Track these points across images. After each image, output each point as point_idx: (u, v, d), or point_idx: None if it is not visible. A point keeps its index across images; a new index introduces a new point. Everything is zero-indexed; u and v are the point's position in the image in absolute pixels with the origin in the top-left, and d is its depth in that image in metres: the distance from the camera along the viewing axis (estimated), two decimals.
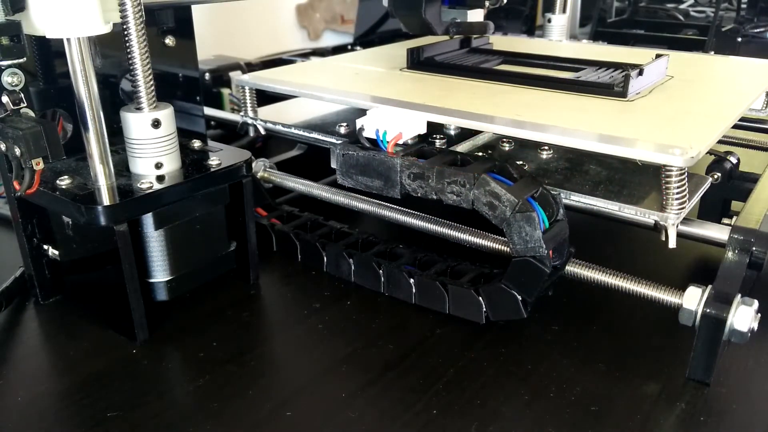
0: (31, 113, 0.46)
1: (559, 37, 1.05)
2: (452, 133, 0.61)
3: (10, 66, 0.45)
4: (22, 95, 0.45)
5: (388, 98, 0.57)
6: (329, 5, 1.39)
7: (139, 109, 0.47)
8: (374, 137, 0.53)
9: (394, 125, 0.53)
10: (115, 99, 0.54)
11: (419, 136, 0.56)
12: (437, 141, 0.56)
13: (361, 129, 0.53)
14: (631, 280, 0.47)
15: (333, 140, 0.63)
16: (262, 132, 0.69)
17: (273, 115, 0.70)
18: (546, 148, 0.57)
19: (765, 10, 1.79)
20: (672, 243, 0.48)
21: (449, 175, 0.48)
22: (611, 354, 0.47)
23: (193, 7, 0.57)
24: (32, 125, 0.42)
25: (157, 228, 0.48)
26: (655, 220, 0.48)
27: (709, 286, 0.44)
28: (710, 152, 0.62)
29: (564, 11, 1.06)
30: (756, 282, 0.51)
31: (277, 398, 0.43)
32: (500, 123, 0.52)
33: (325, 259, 0.57)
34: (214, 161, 0.51)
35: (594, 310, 0.52)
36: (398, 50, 0.76)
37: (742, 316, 0.41)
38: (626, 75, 0.57)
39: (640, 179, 0.53)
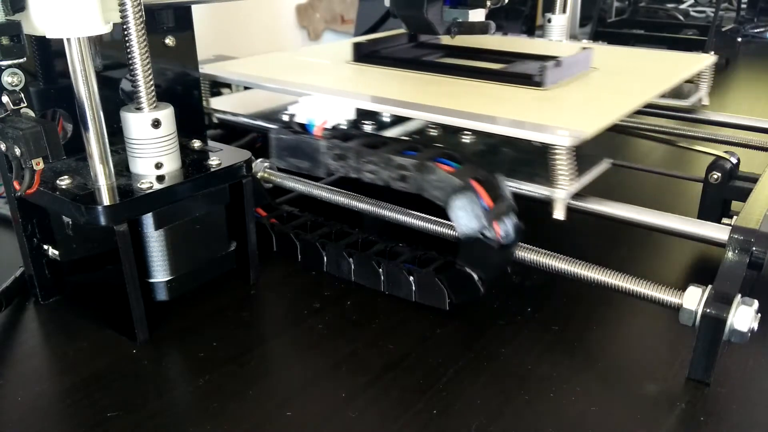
0: (31, 113, 0.46)
1: (559, 37, 1.05)
2: (387, 120, 0.64)
3: (10, 66, 0.45)
4: (22, 95, 0.45)
5: (322, 87, 0.63)
6: (329, 5, 1.39)
7: (139, 109, 0.47)
8: (305, 122, 0.58)
9: (324, 111, 0.58)
10: (116, 99, 0.54)
11: (353, 121, 0.61)
12: (367, 126, 0.61)
13: (293, 115, 0.60)
14: (631, 280, 0.47)
15: (273, 126, 0.64)
16: (215, 120, 0.72)
17: (230, 105, 0.74)
18: (468, 133, 0.60)
19: (765, 10, 1.80)
20: (560, 215, 0.52)
21: (365, 154, 0.52)
22: (611, 354, 0.47)
23: (193, 7, 0.57)
24: (32, 125, 0.42)
25: (157, 228, 0.48)
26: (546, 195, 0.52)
27: (709, 286, 0.44)
28: (710, 152, 0.62)
29: (564, 11, 1.06)
30: (756, 282, 0.51)
31: (277, 398, 0.43)
32: (418, 109, 0.57)
33: (325, 259, 0.57)
34: (214, 161, 0.51)
35: (594, 310, 0.52)
36: None
37: (742, 316, 0.41)
38: (543, 66, 0.62)
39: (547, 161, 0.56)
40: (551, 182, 0.52)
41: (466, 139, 0.59)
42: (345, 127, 0.60)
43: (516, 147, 0.61)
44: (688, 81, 0.79)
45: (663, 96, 0.76)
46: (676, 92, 0.81)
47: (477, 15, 0.75)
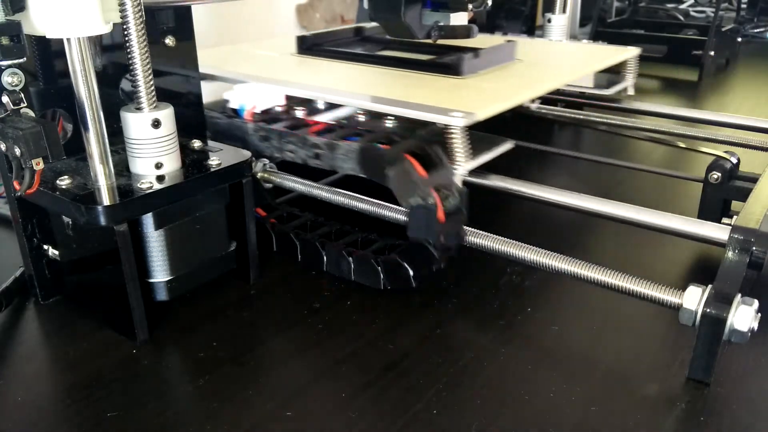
0: (31, 113, 0.46)
1: (559, 37, 1.05)
2: (320, 106, 0.67)
3: (10, 66, 0.45)
4: (22, 95, 0.45)
5: (257, 75, 0.69)
6: (329, 5, 1.39)
7: (139, 109, 0.47)
8: (237, 108, 0.64)
9: (255, 98, 0.64)
10: (116, 99, 0.54)
11: (286, 107, 0.66)
12: (298, 111, 0.64)
13: (227, 101, 0.64)
14: (631, 280, 0.47)
15: (211, 113, 0.67)
16: None
17: None
18: (391, 118, 0.62)
19: (765, 10, 1.80)
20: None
21: (286, 136, 0.58)
22: (611, 354, 0.47)
23: (193, 7, 0.57)
24: (32, 125, 0.42)
25: (157, 228, 0.48)
26: None
27: (709, 286, 0.44)
28: (710, 152, 0.62)
29: (564, 11, 1.06)
30: (756, 282, 0.51)
31: (277, 398, 0.43)
32: (337, 95, 0.63)
33: (324, 258, 0.57)
34: (214, 161, 0.51)
35: (594, 309, 0.52)
36: None
37: (743, 316, 0.41)
38: (459, 57, 0.68)
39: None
40: (450, 160, 0.55)
41: (389, 123, 0.62)
42: (275, 112, 0.65)
43: (432, 130, 0.64)
44: (615, 71, 0.88)
45: (595, 86, 0.85)
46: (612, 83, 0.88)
47: (459, 18, 0.75)
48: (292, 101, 0.67)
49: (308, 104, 0.67)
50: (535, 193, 0.61)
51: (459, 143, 0.55)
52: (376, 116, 0.63)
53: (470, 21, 0.78)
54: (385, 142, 0.55)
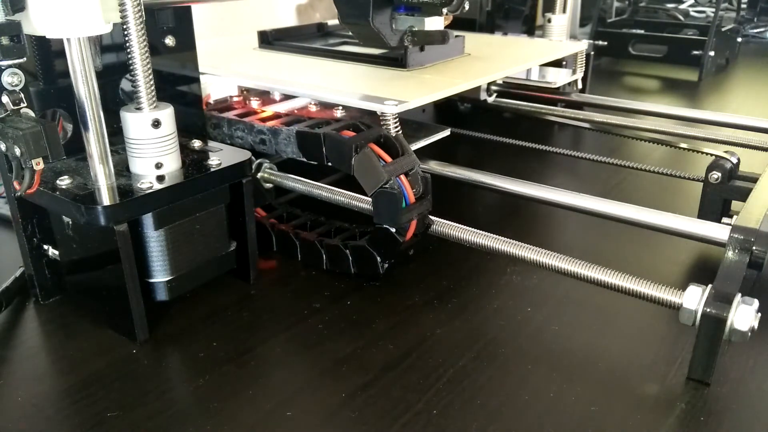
0: (31, 113, 0.46)
1: (559, 37, 1.05)
2: (277, 97, 0.69)
3: (10, 66, 0.45)
4: (22, 95, 0.45)
5: (214, 67, 0.72)
6: (329, 5, 1.39)
7: (139, 109, 0.47)
8: None
9: (209, 88, 0.67)
10: (116, 99, 0.54)
11: (243, 97, 0.68)
12: (253, 101, 0.66)
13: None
14: (631, 280, 0.47)
15: None
16: None
17: None
18: (340, 108, 0.64)
19: (765, 10, 1.80)
20: None
21: (234, 123, 0.60)
22: (611, 354, 0.47)
23: (193, 7, 0.57)
24: (32, 125, 0.42)
25: (157, 228, 0.48)
26: None
27: (710, 286, 0.44)
28: (710, 152, 0.62)
29: (564, 11, 1.06)
30: (756, 282, 0.51)
31: (277, 398, 0.43)
32: (287, 85, 0.66)
33: (324, 256, 0.57)
34: (214, 161, 0.51)
35: (594, 309, 0.52)
36: None
37: (743, 316, 0.41)
38: (406, 51, 0.71)
39: (407, 131, 0.64)
40: None
41: (338, 113, 0.63)
42: (230, 102, 0.67)
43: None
44: (559, 65, 0.93)
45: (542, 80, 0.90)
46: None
47: (435, 23, 0.74)
48: (250, 92, 0.69)
49: (265, 95, 0.69)
50: (537, 194, 0.61)
51: (392, 129, 0.58)
52: (326, 106, 0.66)
53: (468, 22, 0.77)
54: (351, 129, 0.56)
